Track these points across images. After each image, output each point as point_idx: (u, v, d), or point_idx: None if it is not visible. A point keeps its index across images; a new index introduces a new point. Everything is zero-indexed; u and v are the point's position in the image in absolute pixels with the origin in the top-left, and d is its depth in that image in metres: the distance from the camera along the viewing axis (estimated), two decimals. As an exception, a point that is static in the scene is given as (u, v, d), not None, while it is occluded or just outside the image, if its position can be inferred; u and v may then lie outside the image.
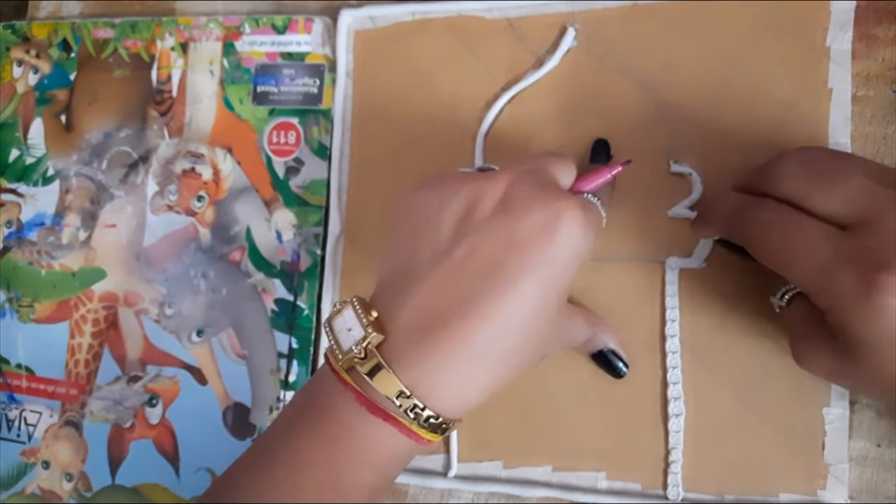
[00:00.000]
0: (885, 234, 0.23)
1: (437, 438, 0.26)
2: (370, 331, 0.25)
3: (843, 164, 0.26)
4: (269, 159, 0.39)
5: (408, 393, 0.24)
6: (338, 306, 0.27)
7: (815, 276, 0.25)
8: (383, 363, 0.25)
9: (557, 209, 0.25)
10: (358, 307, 0.26)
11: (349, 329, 0.25)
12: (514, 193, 0.26)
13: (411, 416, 0.25)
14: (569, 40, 0.35)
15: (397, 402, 0.25)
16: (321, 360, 0.37)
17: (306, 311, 0.38)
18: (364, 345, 0.25)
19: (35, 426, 0.42)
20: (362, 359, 0.25)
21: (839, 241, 0.24)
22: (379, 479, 0.26)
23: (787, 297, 0.28)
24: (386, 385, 0.25)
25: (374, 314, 0.26)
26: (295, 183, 0.39)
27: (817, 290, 0.25)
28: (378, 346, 0.25)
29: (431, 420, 0.25)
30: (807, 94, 0.32)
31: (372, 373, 0.25)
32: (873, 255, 0.23)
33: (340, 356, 0.25)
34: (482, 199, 0.26)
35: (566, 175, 0.28)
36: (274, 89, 0.39)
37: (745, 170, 0.29)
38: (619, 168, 0.29)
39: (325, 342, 0.37)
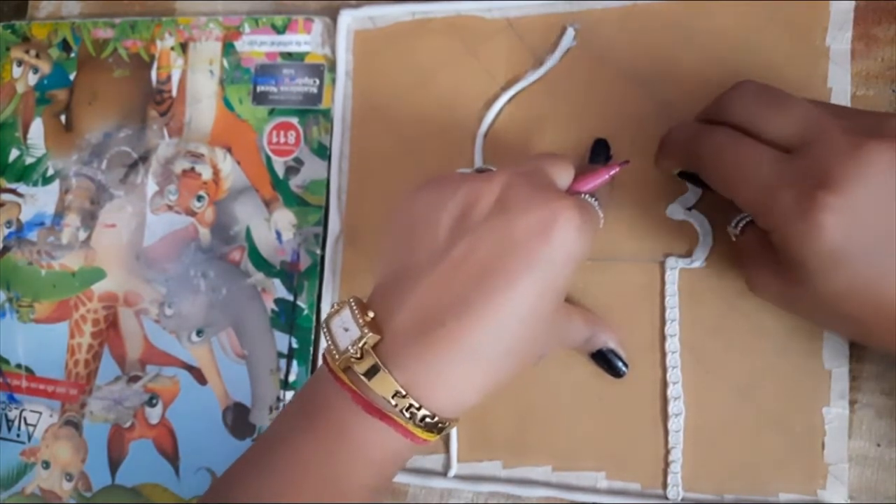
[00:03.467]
0: (824, 154, 0.24)
1: (433, 438, 0.26)
2: (366, 331, 0.25)
3: (791, 95, 0.26)
4: (268, 159, 0.39)
5: (403, 392, 0.24)
6: (335, 307, 0.27)
7: (759, 197, 0.25)
8: (379, 363, 0.25)
9: (554, 209, 0.25)
10: (355, 307, 0.26)
11: (346, 329, 0.26)
12: (510, 194, 0.26)
13: (407, 415, 0.25)
14: (568, 40, 0.35)
15: (393, 402, 0.25)
16: (321, 360, 0.37)
17: (306, 311, 0.38)
18: (360, 345, 0.25)
19: (35, 426, 0.42)
20: (359, 359, 0.25)
21: (783, 163, 0.25)
22: (377, 478, 0.26)
23: (740, 224, 0.29)
24: (382, 385, 0.25)
25: (371, 314, 0.26)
26: (295, 183, 0.39)
27: (760, 210, 0.25)
28: (374, 347, 0.25)
29: (427, 420, 0.25)
30: (806, 94, 0.31)
31: (368, 373, 0.25)
32: (812, 174, 0.24)
33: (337, 356, 0.25)
34: (479, 200, 0.26)
35: (564, 175, 0.28)
36: (274, 89, 0.39)
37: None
38: (617, 168, 0.29)
39: (325, 342, 0.37)
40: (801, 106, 0.25)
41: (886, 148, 0.23)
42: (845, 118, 0.25)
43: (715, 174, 0.27)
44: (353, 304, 0.26)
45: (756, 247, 0.28)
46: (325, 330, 0.27)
